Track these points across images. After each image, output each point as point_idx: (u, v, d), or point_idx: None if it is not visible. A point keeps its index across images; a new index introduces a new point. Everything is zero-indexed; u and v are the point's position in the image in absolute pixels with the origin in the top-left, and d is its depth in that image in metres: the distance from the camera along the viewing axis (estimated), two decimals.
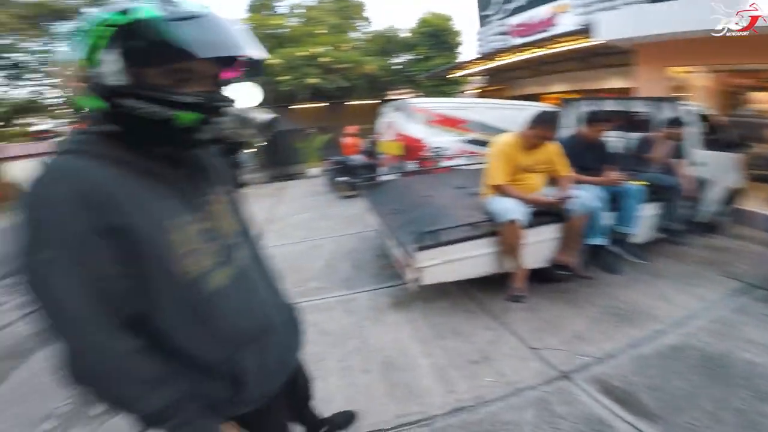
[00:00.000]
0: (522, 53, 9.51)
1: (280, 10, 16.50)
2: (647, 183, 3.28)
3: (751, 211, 4.83)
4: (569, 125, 4.92)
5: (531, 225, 2.75)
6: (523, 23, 9.96)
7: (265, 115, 0.74)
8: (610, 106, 4.44)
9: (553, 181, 3.06)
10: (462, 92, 16.86)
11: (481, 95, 15.90)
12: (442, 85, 15.63)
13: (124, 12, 0.64)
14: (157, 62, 0.67)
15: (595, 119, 3.26)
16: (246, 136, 0.74)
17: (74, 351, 0.66)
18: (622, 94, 7.59)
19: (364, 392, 2.13)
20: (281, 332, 0.96)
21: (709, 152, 4.13)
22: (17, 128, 15.02)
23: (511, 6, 10.52)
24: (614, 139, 4.20)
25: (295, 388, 1.20)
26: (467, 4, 15.55)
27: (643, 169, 3.57)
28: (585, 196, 2.81)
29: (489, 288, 3.07)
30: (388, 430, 1.87)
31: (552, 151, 2.92)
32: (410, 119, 5.42)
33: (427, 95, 15.01)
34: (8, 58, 13.37)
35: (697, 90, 7.14)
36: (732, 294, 3.11)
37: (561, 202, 2.72)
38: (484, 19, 12.05)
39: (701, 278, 3.35)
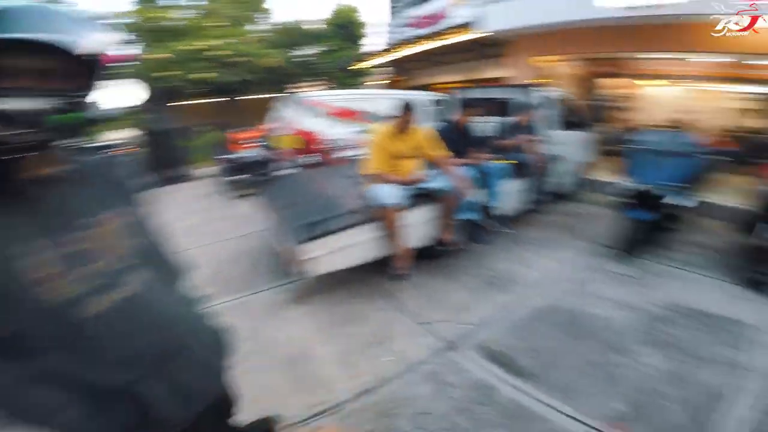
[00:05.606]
0: (420, 44, 9.96)
1: (174, 2, 15.01)
2: (510, 162, 3.69)
3: (600, 180, 5.74)
4: (453, 113, 5.31)
5: (409, 207, 2.92)
6: (423, 15, 10.37)
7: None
8: (480, 94, 4.90)
9: (432, 164, 3.27)
10: (370, 83, 17.05)
11: (390, 86, 16.29)
12: (354, 76, 15.68)
13: None
14: None
15: (465, 106, 3.55)
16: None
17: None
18: (498, 82, 8.36)
19: (271, 390, 2.08)
20: (199, 353, 0.93)
21: (567, 132, 4.79)
22: None
23: None
24: (484, 124, 4.63)
25: (221, 408, 1.14)
26: None
27: (507, 149, 4.01)
28: (450, 176, 3.05)
29: (383, 271, 3.17)
30: (300, 422, 1.86)
31: (424, 136, 3.11)
32: (305, 112, 5.34)
33: (339, 87, 14.89)
34: None
35: (560, 77, 8.16)
36: (585, 255, 3.64)
37: (426, 178, 2.93)
38: (394, 10, 12.39)
39: (560, 243, 3.88)
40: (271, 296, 3.07)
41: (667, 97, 8.35)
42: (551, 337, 2.47)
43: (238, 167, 5.90)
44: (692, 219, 3.92)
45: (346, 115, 5.64)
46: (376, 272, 3.19)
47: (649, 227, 3.46)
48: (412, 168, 3.13)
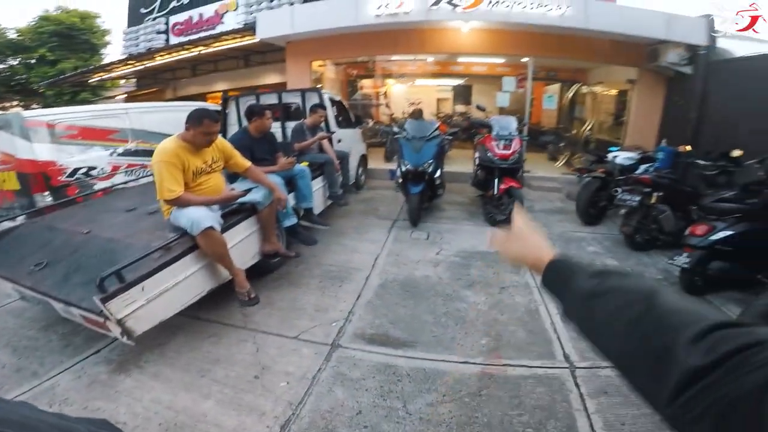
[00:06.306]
0: (182, 52, 9.00)
1: None
2: (309, 163, 3.87)
3: (375, 168, 6.95)
4: (234, 122, 5.07)
5: (228, 226, 2.67)
6: (184, 21, 9.34)
7: None
8: (266, 99, 4.88)
9: (238, 176, 3.05)
10: (109, 98, 14.29)
11: (130, 100, 13.86)
12: (78, 91, 12.82)
13: None
14: None
15: (255, 113, 3.43)
16: None
17: None
18: (278, 88, 8.52)
19: None
20: None
21: (343, 130, 5.38)
22: None
23: (173, 4, 9.55)
24: (276, 129, 4.67)
25: None
26: (114, 2, 13.25)
27: (306, 150, 4.20)
28: (264, 185, 2.94)
29: (220, 302, 2.79)
30: None
31: (222, 147, 2.84)
32: (26, 138, 3.87)
33: (51, 106, 11.65)
34: None
35: (328, 80, 9.00)
36: (388, 230, 4.27)
37: (239, 193, 2.77)
38: (137, 18, 10.47)
39: (367, 225, 4.42)
40: (81, 373, 2.23)
41: (407, 92, 10.66)
42: (402, 305, 2.82)
43: None
44: (446, 185, 5.19)
45: (93, 135, 4.46)
46: (217, 305, 2.79)
47: (422, 197, 4.38)
48: (218, 183, 2.83)
